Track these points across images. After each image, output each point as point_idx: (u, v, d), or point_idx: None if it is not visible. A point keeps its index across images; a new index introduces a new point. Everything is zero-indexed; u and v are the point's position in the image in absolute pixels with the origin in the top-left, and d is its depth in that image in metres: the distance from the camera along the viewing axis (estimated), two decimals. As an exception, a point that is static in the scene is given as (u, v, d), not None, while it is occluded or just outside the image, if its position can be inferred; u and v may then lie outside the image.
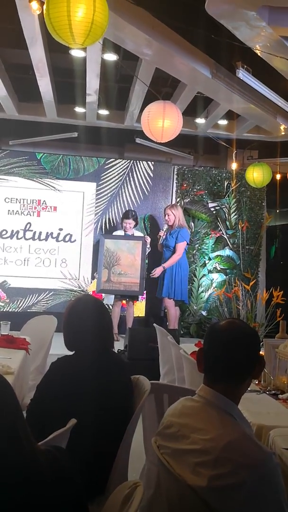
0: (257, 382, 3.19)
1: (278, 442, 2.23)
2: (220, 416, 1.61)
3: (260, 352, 1.82)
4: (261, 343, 3.76)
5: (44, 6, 2.95)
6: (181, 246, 7.16)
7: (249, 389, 1.81)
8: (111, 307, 7.32)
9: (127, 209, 7.82)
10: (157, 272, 7.09)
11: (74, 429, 1.99)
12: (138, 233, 7.62)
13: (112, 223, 8.01)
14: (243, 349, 1.71)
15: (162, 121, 4.59)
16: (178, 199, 8.12)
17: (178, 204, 7.86)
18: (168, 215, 7.23)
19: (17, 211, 7.85)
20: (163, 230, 7.34)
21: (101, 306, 2.56)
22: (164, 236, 7.27)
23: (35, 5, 3.41)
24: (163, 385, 2.95)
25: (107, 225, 7.99)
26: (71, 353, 2.38)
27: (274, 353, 3.42)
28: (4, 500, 1.12)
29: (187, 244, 7.31)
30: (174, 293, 7.13)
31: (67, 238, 7.94)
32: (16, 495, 1.14)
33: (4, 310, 7.66)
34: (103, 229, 7.94)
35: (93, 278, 7.88)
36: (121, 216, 7.76)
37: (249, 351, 1.72)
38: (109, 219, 8.01)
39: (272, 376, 3.20)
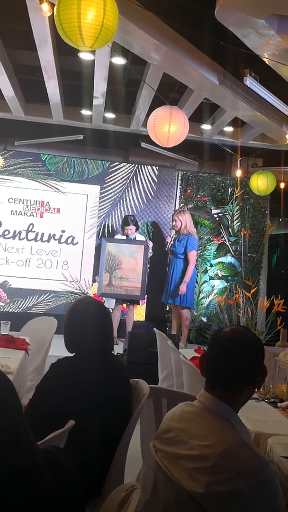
0: (256, 390, 3.18)
1: (276, 450, 2.23)
2: (219, 423, 1.61)
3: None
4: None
5: (55, 8, 2.97)
6: (193, 255, 7.13)
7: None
8: (111, 311, 7.31)
9: (127, 214, 7.78)
10: (183, 289, 7.01)
11: (72, 430, 1.98)
12: (140, 237, 7.59)
13: (114, 227, 8.00)
14: (245, 357, 1.70)
15: (168, 126, 4.59)
16: (181, 205, 8.11)
17: (186, 209, 7.82)
18: (175, 221, 7.15)
19: (20, 211, 7.85)
20: (170, 236, 7.27)
21: (103, 308, 2.57)
22: (172, 242, 7.18)
23: (45, 7, 3.41)
24: (162, 389, 2.94)
25: (109, 228, 7.99)
26: (70, 354, 2.37)
27: (274, 361, 3.41)
28: (2, 501, 1.12)
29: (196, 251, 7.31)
30: (186, 300, 7.14)
31: (69, 240, 7.94)
32: (15, 496, 1.13)
33: (4, 310, 7.65)
34: (106, 233, 7.94)
35: (94, 281, 7.87)
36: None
37: (251, 360, 1.70)
38: (111, 223, 8.02)
39: (271, 384, 3.19)
